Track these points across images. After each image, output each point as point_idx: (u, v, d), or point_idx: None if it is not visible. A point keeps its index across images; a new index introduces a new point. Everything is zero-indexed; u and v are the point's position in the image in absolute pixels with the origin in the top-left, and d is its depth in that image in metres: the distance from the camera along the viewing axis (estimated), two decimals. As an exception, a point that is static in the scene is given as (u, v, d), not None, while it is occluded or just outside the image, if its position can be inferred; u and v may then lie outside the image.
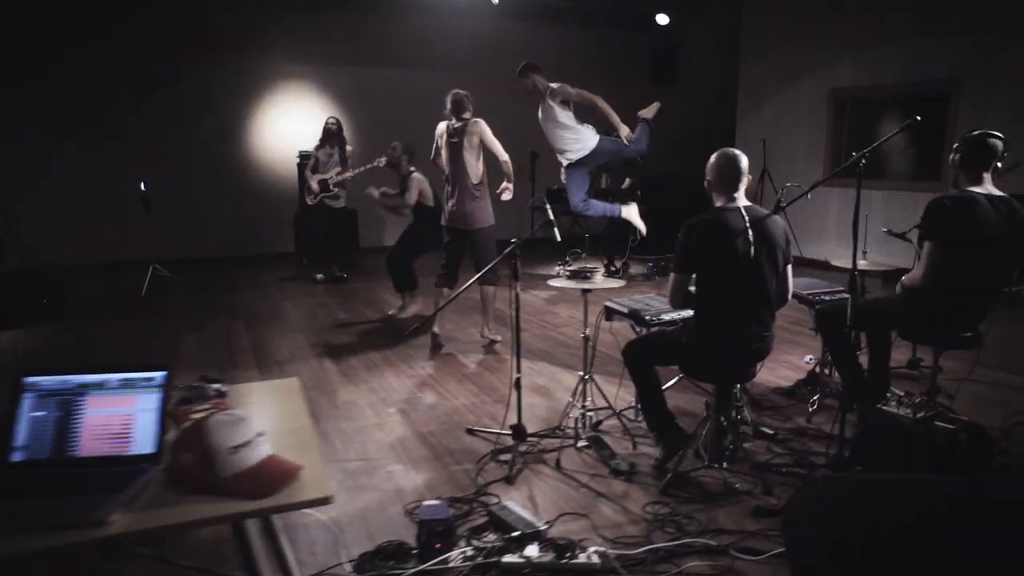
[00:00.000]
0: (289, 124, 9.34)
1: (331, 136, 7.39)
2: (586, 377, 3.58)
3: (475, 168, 4.91)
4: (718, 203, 2.90)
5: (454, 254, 5.09)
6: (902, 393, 3.26)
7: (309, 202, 7.52)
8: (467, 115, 4.92)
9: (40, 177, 8.27)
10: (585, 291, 3.56)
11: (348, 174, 7.28)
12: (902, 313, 3.30)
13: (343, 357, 5.03)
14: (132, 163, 8.25)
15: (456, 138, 4.91)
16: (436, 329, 5.17)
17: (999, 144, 3.13)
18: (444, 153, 5.02)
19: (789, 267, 2.99)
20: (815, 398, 3.84)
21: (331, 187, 7.35)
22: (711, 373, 3.00)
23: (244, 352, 5.22)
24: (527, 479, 3.13)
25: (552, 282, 3.79)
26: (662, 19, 9.36)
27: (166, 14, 8.50)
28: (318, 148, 7.45)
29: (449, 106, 4.92)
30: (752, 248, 2.76)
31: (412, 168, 5.74)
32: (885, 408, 3.02)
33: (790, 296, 3.08)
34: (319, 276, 7.67)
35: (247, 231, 9.44)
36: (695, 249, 2.82)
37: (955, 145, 3.21)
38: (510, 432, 3.34)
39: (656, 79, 10.94)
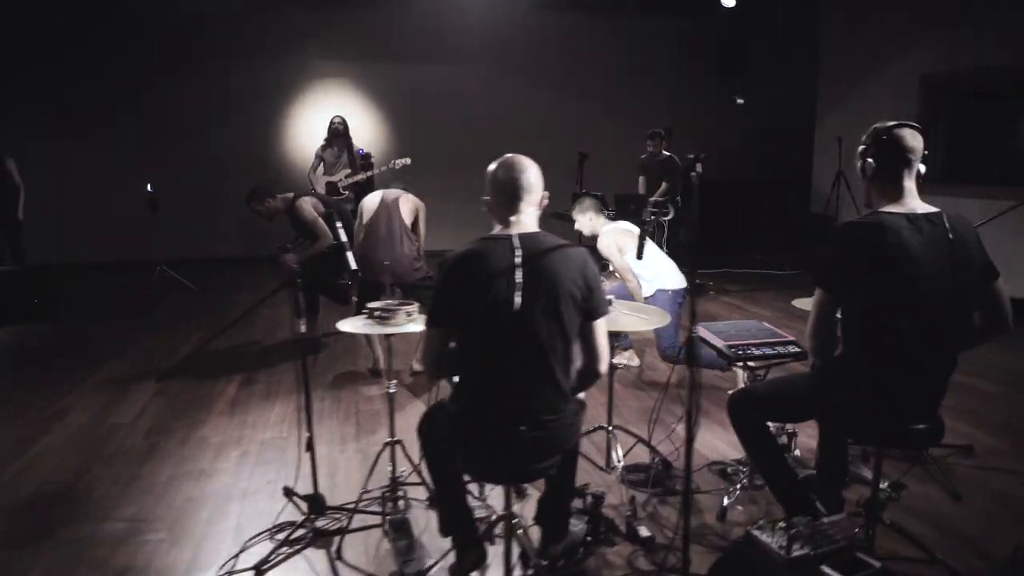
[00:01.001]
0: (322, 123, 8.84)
1: (338, 136, 6.97)
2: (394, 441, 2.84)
3: None
4: (495, 230, 2.11)
5: None
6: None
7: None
8: None
9: (69, 176, 8.39)
10: (388, 336, 2.80)
11: (360, 176, 6.87)
12: (816, 399, 2.31)
13: (255, 377, 4.57)
14: (155, 165, 8.27)
15: None
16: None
17: (917, 140, 2.12)
18: None
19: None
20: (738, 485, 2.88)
21: (341, 190, 6.94)
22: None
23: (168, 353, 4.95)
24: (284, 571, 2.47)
25: (340, 324, 2.85)
26: (728, 1, 8.20)
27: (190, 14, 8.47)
28: (324, 149, 7.04)
29: None
30: (518, 295, 1.96)
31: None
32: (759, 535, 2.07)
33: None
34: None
35: (277, 232, 9.13)
36: (449, 294, 2.01)
37: (861, 147, 2.20)
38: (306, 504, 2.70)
39: (723, 71, 9.61)
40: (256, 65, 8.79)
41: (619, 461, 3.17)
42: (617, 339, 4.31)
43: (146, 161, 8.33)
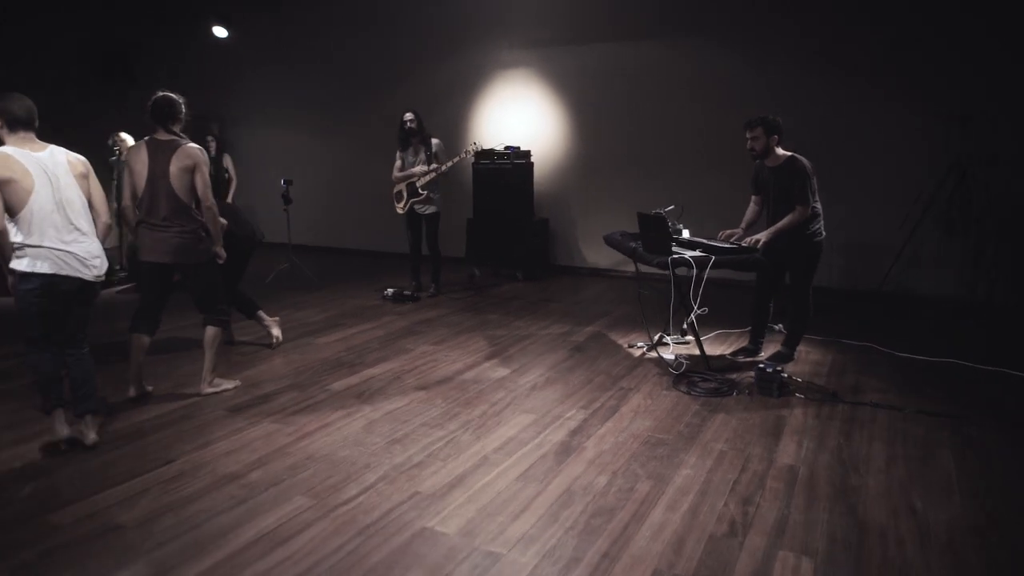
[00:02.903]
0: (505, 116, 8.50)
1: (413, 134, 6.85)
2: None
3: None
4: None
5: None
6: None
7: (399, 211, 6.92)
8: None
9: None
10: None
11: (430, 170, 6.66)
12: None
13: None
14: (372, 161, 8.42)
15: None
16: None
17: None
18: None
19: None
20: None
21: (419, 190, 6.79)
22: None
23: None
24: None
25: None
26: None
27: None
28: (403, 149, 6.90)
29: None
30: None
31: None
32: None
33: None
34: (388, 291, 6.91)
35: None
36: None
37: None
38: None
39: None
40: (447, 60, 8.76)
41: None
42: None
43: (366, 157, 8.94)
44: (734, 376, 4.43)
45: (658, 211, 4.59)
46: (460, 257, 8.29)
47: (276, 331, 5.24)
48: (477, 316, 6.15)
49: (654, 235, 4.58)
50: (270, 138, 10.38)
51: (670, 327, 5.13)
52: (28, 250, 3.27)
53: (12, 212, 3.23)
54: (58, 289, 3.33)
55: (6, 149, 3.28)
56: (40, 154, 3.37)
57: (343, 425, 3.70)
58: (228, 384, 4.26)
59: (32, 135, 3.38)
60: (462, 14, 8.47)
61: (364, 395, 4.16)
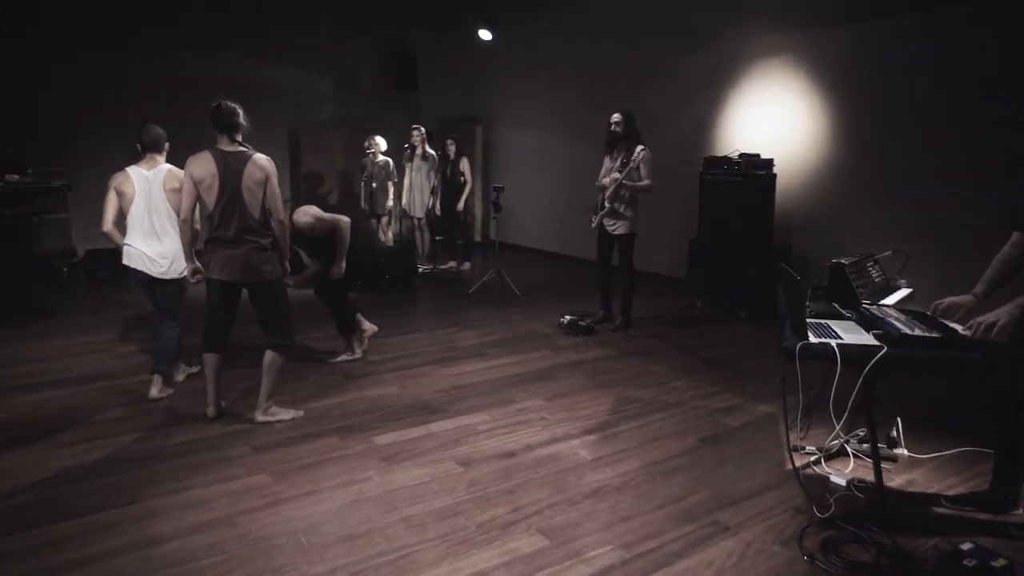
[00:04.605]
0: (745, 116, 7.01)
1: (618, 138, 5.81)
2: None
3: None
4: None
5: None
6: None
7: (592, 224, 6.01)
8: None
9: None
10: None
11: (608, 183, 5.69)
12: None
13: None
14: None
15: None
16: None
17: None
18: None
19: None
20: None
21: (606, 202, 5.89)
22: None
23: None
24: None
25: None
26: None
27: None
28: (608, 154, 5.88)
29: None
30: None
31: None
32: None
33: None
34: (564, 318, 6.01)
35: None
36: None
37: None
38: None
39: None
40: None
41: None
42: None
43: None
44: (922, 546, 2.71)
45: (794, 274, 2.99)
46: (682, 279, 7.04)
47: (357, 352, 5.11)
48: (641, 366, 4.99)
49: (793, 302, 3.00)
50: (522, 140, 10.18)
51: (839, 426, 3.45)
52: (125, 247, 4.25)
53: (124, 217, 4.23)
54: (138, 279, 4.28)
55: (128, 169, 4.23)
56: (148, 172, 4.22)
57: (325, 498, 3.08)
58: (285, 414, 3.97)
59: (155, 156, 4.24)
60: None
61: (394, 457, 3.50)
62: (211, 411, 3.97)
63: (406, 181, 8.57)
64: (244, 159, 3.67)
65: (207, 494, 3.12)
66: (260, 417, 3.91)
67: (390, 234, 8.87)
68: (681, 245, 7.04)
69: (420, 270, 8.30)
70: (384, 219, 8.56)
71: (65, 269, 8.27)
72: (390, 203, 8.38)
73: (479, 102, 10.85)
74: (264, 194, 3.74)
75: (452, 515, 2.95)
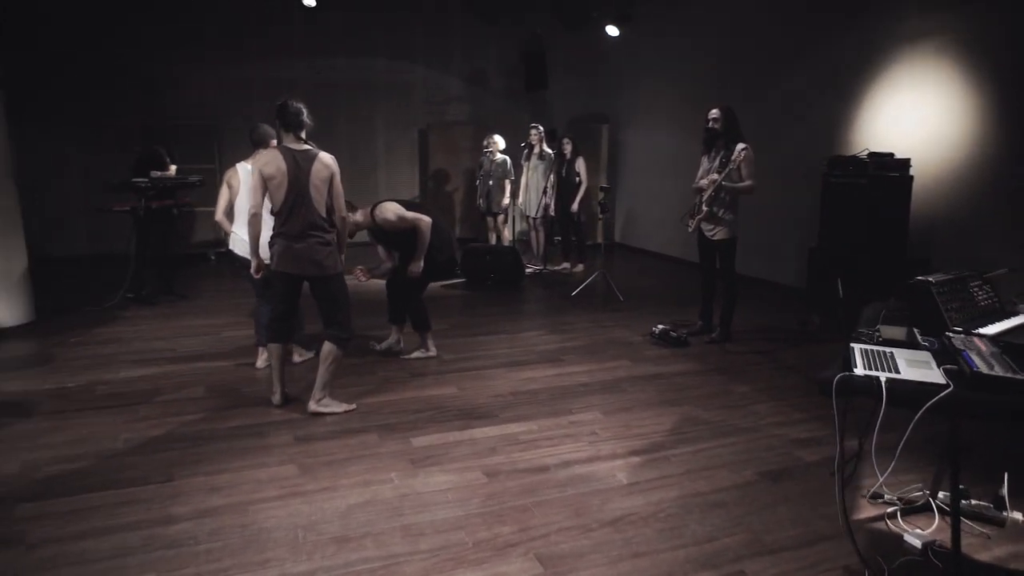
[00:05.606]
0: (881, 110, 6.22)
1: (716, 136, 5.32)
2: None
3: None
4: None
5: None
6: None
7: (689, 229, 5.58)
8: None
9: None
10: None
11: (705, 184, 5.28)
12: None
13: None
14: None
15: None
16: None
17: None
18: None
19: None
20: None
21: (702, 206, 5.45)
22: None
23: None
24: None
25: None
26: None
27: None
28: (706, 153, 5.55)
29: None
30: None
31: None
32: None
33: None
34: (657, 327, 5.62)
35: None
36: None
37: None
38: None
39: None
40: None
41: None
42: None
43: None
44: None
45: (840, 289, 2.48)
46: (803, 290, 6.36)
47: (432, 350, 5.10)
48: (723, 384, 4.54)
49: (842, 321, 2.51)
50: (650, 139, 9.74)
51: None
52: (232, 235, 4.74)
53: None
54: (241, 263, 4.54)
55: (238, 164, 4.74)
56: (250, 165, 4.53)
57: (338, 495, 3.06)
58: (337, 407, 4.02)
59: (261, 151, 4.28)
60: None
61: (423, 461, 3.41)
62: (276, 399, 4.11)
63: (523, 180, 8.51)
64: (311, 157, 3.77)
65: (234, 479, 3.21)
66: (313, 407, 4.00)
67: (507, 232, 8.86)
68: (803, 254, 6.38)
69: (530, 270, 8.21)
70: (500, 217, 8.58)
71: (213, 257, 9.12)
72: (506, 201, 8.36)
73: (607, 101, 10.57)
74: (329, 191, 3.83)
75: (454, 528, 2.81)
